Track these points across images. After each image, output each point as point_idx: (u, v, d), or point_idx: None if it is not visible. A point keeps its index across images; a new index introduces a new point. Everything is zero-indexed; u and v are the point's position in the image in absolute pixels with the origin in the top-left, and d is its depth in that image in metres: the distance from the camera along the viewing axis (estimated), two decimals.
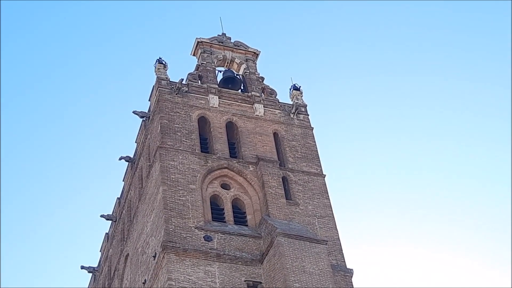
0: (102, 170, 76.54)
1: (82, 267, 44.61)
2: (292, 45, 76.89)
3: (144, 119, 38.30)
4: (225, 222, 31.88)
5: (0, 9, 69.45)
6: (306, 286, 28.26)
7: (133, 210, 37.37)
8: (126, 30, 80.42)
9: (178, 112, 35.63)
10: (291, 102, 38.70)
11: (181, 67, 60.45)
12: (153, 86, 37.50)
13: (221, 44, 40.65)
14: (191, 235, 30.48)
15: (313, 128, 37.63)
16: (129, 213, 38.24)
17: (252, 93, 38.00)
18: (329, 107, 69.58)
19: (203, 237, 30.58)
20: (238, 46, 40.88)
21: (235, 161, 34.23)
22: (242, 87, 39.37)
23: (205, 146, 35.05)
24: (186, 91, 36.75)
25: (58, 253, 75.67)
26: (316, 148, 36.59)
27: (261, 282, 29.77)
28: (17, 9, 77.70)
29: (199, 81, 38.07)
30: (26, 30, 79.70)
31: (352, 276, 31.29)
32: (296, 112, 37.81)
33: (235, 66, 40.34)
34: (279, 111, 37.80)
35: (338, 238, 32.68)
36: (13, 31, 78.33)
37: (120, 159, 39.84)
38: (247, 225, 32.04)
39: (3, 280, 68.38)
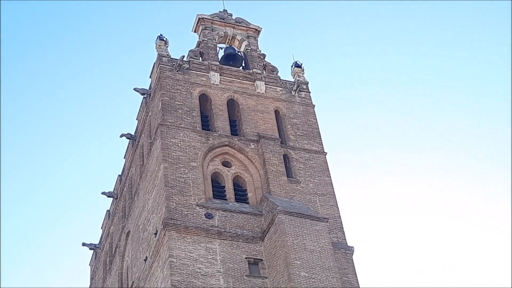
0: (103, 147, 76.60)
1: (84, 244, 44.79)
2: (294, 22, 76.62)
3: (145, 96, 38.20)
4: (226, 199, 31.90)
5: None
6: (306, 264, 28.31)
7: (134, 187, 37.39)
8: (127, 6, 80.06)
9: (179, 89, 35.53)
10: (292, 80, 38.56)
11: (182, 44, 60.49)
12: (154, 63, 37.36)
13: (222, 20, 40.45)
14: (192, 213, 30.52)
15: (314, 105, 37.52)
16: (130, 190, 38.26)
17: (254, 70, 37.85)
18: (331, 84, 69.51)
19: (204, 214, 30.61)
20: (240, 23, 40.67)
21: (236, 139, 34.17)
22: (243, 64, 39.22)
23: (206, 123, 34.99)
24: (187, 68, 36.61)
25: (59, 230, 75.90)
26: (318, 125, 36.51)
27: (261, 260, 29.84)
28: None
29: (200, 58, 37.93)
30: (26, 10, 79.35)
31: (352, 254, 31.34)
32: (298, 89, 37.68)
33: (236, 43, 40.16)
34: (280, 88, 37.66)
35: (339, 215, 32.69)
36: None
37: (121, 136, 39.80)
38: (248, 203, 32.06)
39: (4, 259, 68.80)
